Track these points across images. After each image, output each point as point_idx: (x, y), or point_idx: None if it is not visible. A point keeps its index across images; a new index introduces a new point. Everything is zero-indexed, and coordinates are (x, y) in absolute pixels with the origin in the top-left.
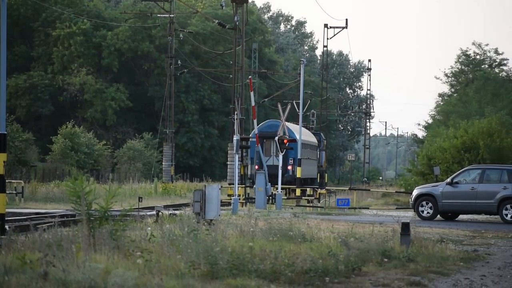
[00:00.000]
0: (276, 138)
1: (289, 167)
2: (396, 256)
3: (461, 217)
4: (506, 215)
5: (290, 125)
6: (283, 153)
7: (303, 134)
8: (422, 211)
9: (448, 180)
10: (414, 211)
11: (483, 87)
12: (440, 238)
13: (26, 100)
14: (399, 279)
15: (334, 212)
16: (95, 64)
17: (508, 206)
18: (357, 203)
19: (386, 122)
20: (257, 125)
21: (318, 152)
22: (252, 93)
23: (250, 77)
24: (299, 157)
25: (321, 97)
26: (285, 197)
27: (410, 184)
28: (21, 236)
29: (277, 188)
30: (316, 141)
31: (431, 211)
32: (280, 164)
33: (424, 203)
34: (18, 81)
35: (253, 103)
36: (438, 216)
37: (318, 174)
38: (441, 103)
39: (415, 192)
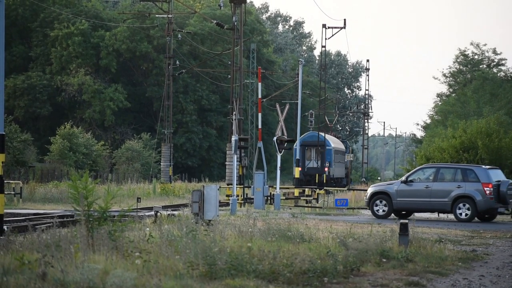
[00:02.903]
0: (275, 138)
1: (326, 169)
2: (394, 256)
3: (417, 215)
4: (460, 214)
5: (326, 135)
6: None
7: (334, 142)
8: (377, 210)
9: (403, 178)
10: (369, 209)
11: (481, 87)
12: (438, 238)
13: (24, 101)
14: (397, 279)
15: (332, 213)
16: (93, 65)
17: (462, 204)
18: (356, 203)
19: (384, 122)
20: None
21: (346, 157)
22: (260, 84)
23: (259, 67)
24: (332, 160)
25: (319, 97)
26: (283, 198)
27: None
28: (19, 237)
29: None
30: (344, 148)
31: (385, 209)
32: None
33: (378, 201)
34: (16, 81)
35: (259, 95)
36: (392, 214)
37: (345, 174)
38: (440, 103)
39: (369, 191)
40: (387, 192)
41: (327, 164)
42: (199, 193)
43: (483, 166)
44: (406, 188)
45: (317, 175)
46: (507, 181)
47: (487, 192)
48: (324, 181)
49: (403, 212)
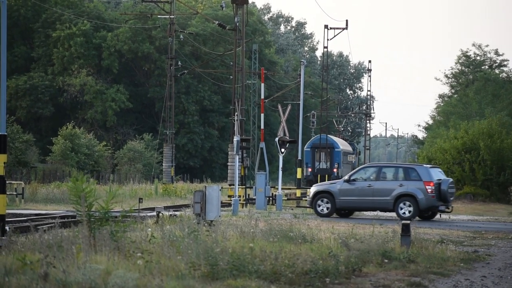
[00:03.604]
0: (277, 139)
1: (334, 170)
2: (396, 257)
3: (356, 213)
4: (404, 213)
5: (334, 138)
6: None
7: (342, 144)
8: (320, 209)
9: (346, 177)
10: (312, 208)
11: (483, 88)
12: (440, 239)
13: (26, 101)
14: (399, 280)
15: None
16: (95, 65)
17: (404, 203)
18: None
19: (386, 123)
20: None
21: (353, 157)
22: (263, 85)
23: (262, 68)
24: (341, 161)
25: (321, 98)
26: (285, 198)
27: None
28: (21, 237)
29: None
30: (351, 149)
31: (328, 208)
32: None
33: (321, 200)
34: (18, 82)
35: (262, 96)
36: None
37: None
38: (442, 104)
39: (313, 190)
40: (330, 191)
41: (336, 165)
42: (201, 194)
43: (425, 165)
44: (349, 187)
45: (326, 175)
46: (448, 179)
47: (429, 190)
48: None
49: (345, 211)
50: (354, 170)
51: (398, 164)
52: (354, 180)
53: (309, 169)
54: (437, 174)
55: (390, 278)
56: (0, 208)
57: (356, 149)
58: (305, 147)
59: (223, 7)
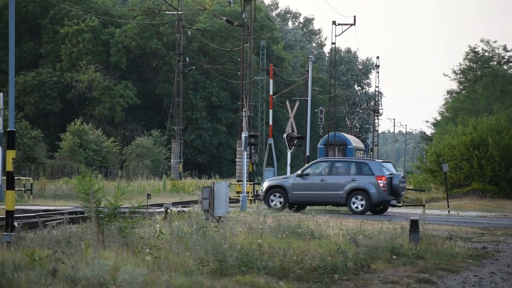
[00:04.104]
0: (285, 135)
1: None
2: (405, 253)
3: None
4: (357, 207)
5: (347, 135)
6: (291, 149)
7: (354, 141)
8: (273, 203)
9: (299, 172)
10: (265, 203)
11: (491, 84)
12: (449, 235)
13: (34, 97)
14: (408, 276)
15: (342, 210)
16: (103, 61)
17: (356, 197)
18: None
19: (394, 119)
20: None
21: (365, 155)
22: (271, 81)
23: (271, 64)
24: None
25: (329, 94)
26: None
27: (419, 181)
28: (30, 233)
29: None
30: (364, 147)
31: (281, 202)
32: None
33: (274, 195)
34: (26, 78)
35: (271, 92)
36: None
37: None
38: (450, 100)
39: (265, 184)
40: (283, 185)
41: None
42: (209, 190)
43: (377, 160)
44: (302, 182)
45: None
46: (399, 174)
47: (381, 185)
48: None
49: (296, 206)
50: (307, 165)
51: (350, 159)
52: (306, 175)
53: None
54: (389, 168)
55: (398, 275)
56: (9, 204)
57: (367, 146)
58: (318, 144)
59: (231, 3)
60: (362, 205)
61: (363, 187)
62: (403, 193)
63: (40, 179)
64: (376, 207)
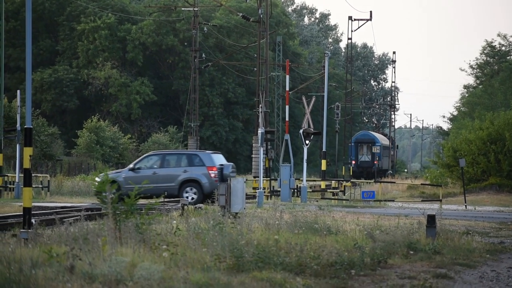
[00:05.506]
0: (301, 131)
1: (375, 162)
2: (422, 248)
3: None
4: (187, 197)
5: (375, 133)
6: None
7: (381, 139)
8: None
9: (131, 166)
10: (97, 198)
11: (508, 78)
12: (466, 230)
13: (51, 94)
14: (425, 272)
15: (359, 205)
16: (119, 58)
17: (189, 188)
18: (382, 195)
19: (411, 114)
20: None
21: (391, 152)
22: (287, 77)
23: (287, 60)
24: (380, 153)
25: (345, 89)
26: (310, 190)
27: (435, 176)
28: (47, 230)
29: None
30: (390, 144)
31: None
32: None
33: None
34: (43, 75)
35: (287, 88)
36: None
37: (391, 166)
38: (467, 95)
39: (98, 180)
40: (116, 180)
41: (377, 158)
42: (225, 186)
43: (207, 151)
44: (134, 175)
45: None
46: (230, 164)
47: (212, 175)
48: (372, 173)
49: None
50: (138, 159)
51: (181, 151)
52: (138, 168)
53: (353, 162)
54: (220, 159)
55: (415, 270)
56: (26, 201)
57: (394, 143)
58: (350, 142)
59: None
60: (194, 197)
61: (195, 178)
62: None
63: (57, 176)
64: (208, 197)
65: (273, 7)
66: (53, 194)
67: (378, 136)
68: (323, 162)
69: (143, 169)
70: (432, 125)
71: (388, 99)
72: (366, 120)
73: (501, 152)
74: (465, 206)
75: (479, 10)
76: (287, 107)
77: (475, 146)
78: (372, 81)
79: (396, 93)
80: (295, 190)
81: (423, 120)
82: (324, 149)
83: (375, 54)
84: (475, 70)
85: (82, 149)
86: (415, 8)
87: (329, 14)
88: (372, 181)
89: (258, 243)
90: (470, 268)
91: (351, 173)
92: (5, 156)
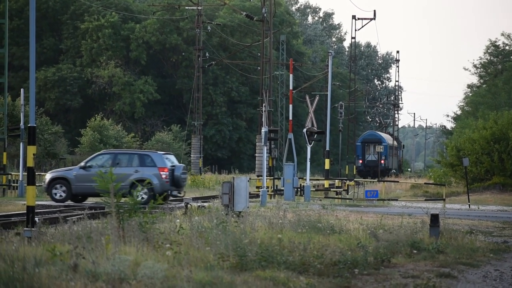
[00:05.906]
0: (305, 130)
1: (382, 161)
2: (425, 247)
3: None
4: (138, 197)
5: (381, 133)
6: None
7: (388, 139)
8: (56, 194)
9: (82, 164)
10: (48, 194)
11: None
12: (469, 230)
13: (55, 93)
14: (428, 271)
15: (362, 204)
16: (123, 57)
17: (140, 188)
18: (386, 194)
19: (414, 113)
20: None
21: (397, 151)
22: (291, 76)
23: (291, 59)
24: (387, 153)
25: (349, 88)
26: (313, 189)
27: (439, 175)
28: (51, 228)
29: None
30: (397, 144)
31: (64, 194)
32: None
33: (57, 186)
34: (47, 74)
35: (291, 87)
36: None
37: (398, 166)
38: (470, 94)
39: (48, 176)
40: (66, 177)
41: (383, 158)
42: (229, 185)
43: (159, 152)
44: (85, 173)
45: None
46: (181, 165)
47: (163, 176)
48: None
49: (80, 197)
50: (89, 157)
51: (133, 151)
52: (89, 166)
53: (360, 161)
54: (171, 160)
55: (419, 269)
56: (30, 200)
57: (400, 143)
58: (356, 142)
59: None
60: (145, 197)
61: (146, 179)
62: (184, 183)
63: None
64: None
65: (277, 6)
66: None
67: (385, 136)
68: (327, 161)
69: (94, 167)
70: (436, 124)
71: (392, 98)
72: (370, 119)
73: (504, 151)
74: (469, 205)
75: (483, 9)
76: (290, 106)
77: (479, 145)
78: (375, 80)
79: (399, 92)
80: (299, 189)
81: (426, 119)
82: (327, 148)
83: (378, 53)
84: (479, 70)
85: (85, 147)
86: (419, 8)
87: (332, 13)
88: (376, 180)
89: (261, 242)
90: (473, 268)
91: (354, 172)
92: (9, 155)
